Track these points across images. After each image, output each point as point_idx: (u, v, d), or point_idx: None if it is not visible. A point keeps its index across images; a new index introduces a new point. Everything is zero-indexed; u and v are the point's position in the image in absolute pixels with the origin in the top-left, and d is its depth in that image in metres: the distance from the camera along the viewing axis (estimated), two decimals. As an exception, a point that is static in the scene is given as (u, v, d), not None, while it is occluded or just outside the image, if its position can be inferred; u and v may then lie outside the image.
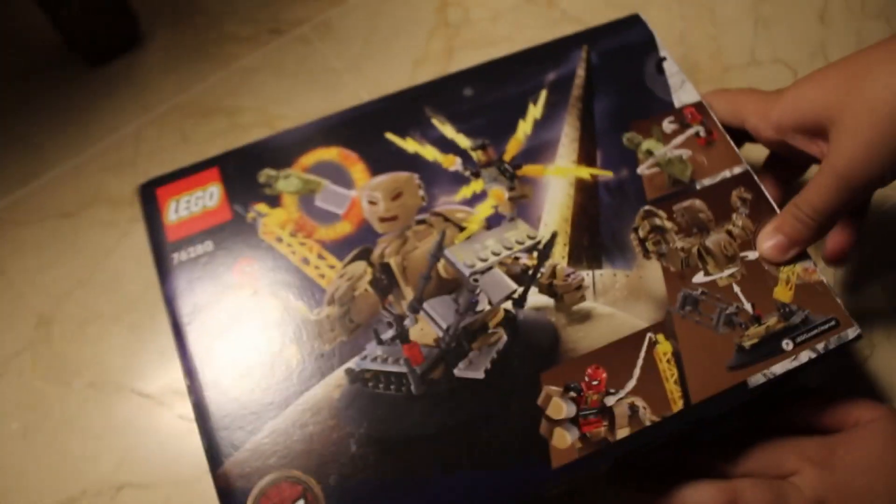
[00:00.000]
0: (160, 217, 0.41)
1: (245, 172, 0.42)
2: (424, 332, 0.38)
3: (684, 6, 0.58)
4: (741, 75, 0.54)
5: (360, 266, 0.39)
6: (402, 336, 0.37)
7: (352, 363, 0.37)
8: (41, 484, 0.43)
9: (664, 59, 0.45)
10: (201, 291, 0.39)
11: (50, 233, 0.52)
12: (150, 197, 0.41)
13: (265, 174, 0.42)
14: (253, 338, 0.37)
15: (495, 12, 0.59)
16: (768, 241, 0.39)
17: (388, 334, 0.38)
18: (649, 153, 0.42)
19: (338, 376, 0.36)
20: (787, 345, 0.37)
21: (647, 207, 0.40)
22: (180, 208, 0.41)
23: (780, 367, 0.36)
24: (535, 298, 0.38)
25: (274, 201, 0.41)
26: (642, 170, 0.42)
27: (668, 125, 0.43)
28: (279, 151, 0.43)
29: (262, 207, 0.41)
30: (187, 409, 0.45)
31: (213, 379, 0.36)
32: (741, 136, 0.44)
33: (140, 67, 0.58)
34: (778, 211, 0.40)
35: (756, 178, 0.41)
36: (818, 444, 0.37)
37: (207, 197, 0.41)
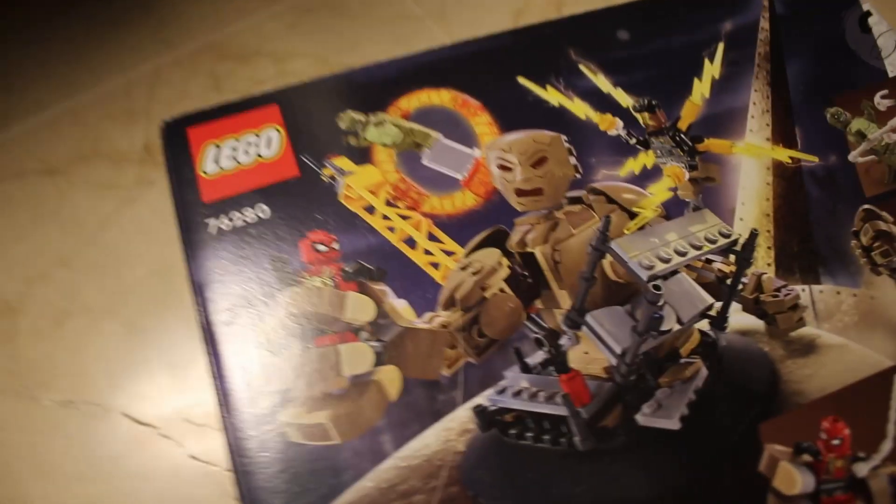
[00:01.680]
0: (192, 167, 0.32)
1: (318, 114, 0.33)
2: (589, 356, 0.30)
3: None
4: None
5: (493, 255, 0.31)
6: (559, 362, 0.29)
7: (483, 398, 0.29)
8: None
9: (869, 13, 0.38)
10: (248, 278, 0.30)
11: (26, 194, 0.43)
12: (177, 139, 0.33)
13: (348, 118, 0.34)
14: (325, 354, 0.29)
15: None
16: None
17: (538, 358, 0.30)
18: (861, 135, 0.35)
19: (462, 418, 0.29)
20: None
21: (866, 206, 0.33)
22: (222, 157, 0.33)
23: None
24: (739, 318, 0.31)
25: (361, 156, 0.33)
26: (854, 157, 0.35)
27: (881, 100, 0.36)
28: (368, 89, 0.34)
29: (343, 162, 0.33)
30: (204, 446, 0.37)
31: (258, 410, 0.28)
32: None
33: (162, -5, 0.49)
34: None
35: None
36: None
37: (263, 143, 0.33)
